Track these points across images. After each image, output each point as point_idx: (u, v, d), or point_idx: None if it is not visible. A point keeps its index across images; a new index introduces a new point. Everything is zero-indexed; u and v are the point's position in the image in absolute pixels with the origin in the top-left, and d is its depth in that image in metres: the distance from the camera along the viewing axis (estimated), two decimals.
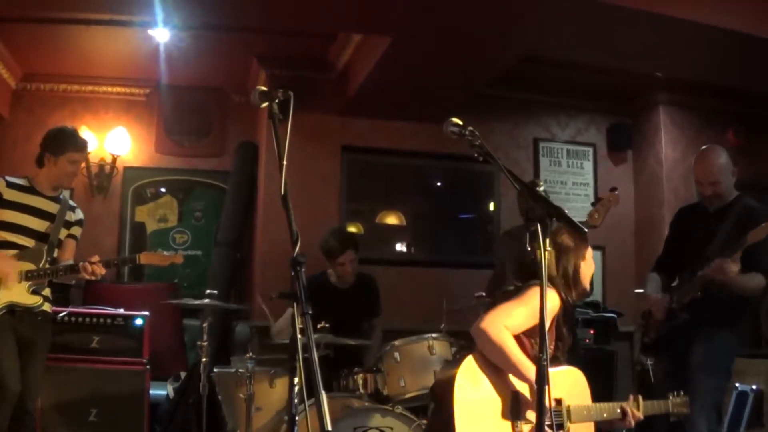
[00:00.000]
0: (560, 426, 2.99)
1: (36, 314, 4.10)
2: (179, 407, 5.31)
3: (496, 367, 2.92)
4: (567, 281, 3.13)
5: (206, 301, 4.50)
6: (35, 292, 4.09)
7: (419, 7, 4.90)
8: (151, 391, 5.07)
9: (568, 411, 3.02)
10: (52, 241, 4.18)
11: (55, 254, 4.24)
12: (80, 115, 7.10)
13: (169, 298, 5.91)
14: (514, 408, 2.92)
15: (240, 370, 4.23)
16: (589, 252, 3.24)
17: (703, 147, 4.44)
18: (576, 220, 2.84)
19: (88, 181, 7.08)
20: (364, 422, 3.95)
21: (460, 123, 2.73)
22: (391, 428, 3.95)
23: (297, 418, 2.31)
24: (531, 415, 2.84)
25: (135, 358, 5.02)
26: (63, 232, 4.28)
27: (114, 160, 7.13)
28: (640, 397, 3.25)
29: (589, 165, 7.56)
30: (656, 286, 4.44)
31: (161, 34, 6.17)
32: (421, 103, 6.48)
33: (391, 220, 7.27)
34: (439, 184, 7.42)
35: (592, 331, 6.26)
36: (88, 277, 4.09)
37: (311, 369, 2.21)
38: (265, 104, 2.50)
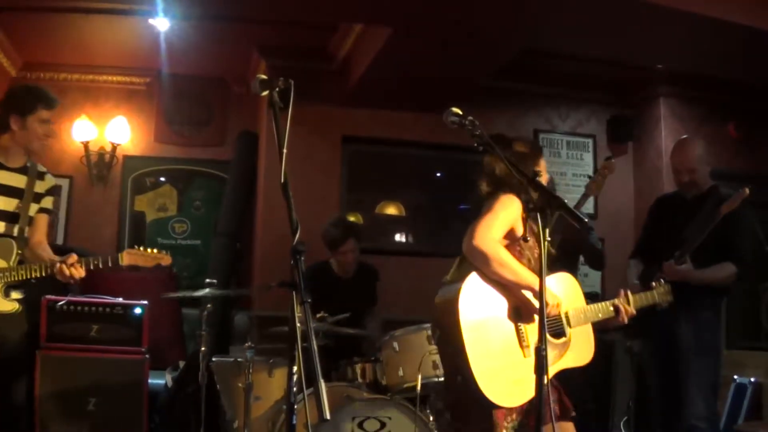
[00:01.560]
0: (561, 333, 3.03)
1: (12, 315, 3.68)
2: (178, 396, 5.31)
3: (494, 283, 2.92)
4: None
5: (205, 291, 4.46)
6: (10, 290, 3.65)
7: None
8: (150, 381, 5.06)
9: (567, 317, 3.06)
10: (22, 226, 3.70)
11: (26, 233, 3.75)
12: (80, 104, 7.09)
13: (168, 287, 5.89)
14: (517, 317, 2.93)
15: (239, 359, 4.24)
16: (543, 162, 3.28)
17: (681, 137, 4.73)
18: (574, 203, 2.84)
19: (87, 170, 7.07)
20: (362, 412, 3.96)
21: (460, 113, 2.74)
22: (390, 418, 3.96)
23: (296, 407, 2.31)
24: (536, 319, 2.86)
25: (134, 348, 4.98)
26: (33, 208, 3.78)
27: (114, 149, 7.12)
28: (630, 293, 3.31)
29: (589, 156, 7.56)
30: (637, 273, 4.61)
31: (162, 23, 6.15)
32: (421, 94, 6.46)
33: (391, 210, 7.28)
34: (438, 174, 7.41)
35: None
36: (64, 281, 3.62)
37: (310, 358, 2.21)
38: (265, 93, 2.48)
